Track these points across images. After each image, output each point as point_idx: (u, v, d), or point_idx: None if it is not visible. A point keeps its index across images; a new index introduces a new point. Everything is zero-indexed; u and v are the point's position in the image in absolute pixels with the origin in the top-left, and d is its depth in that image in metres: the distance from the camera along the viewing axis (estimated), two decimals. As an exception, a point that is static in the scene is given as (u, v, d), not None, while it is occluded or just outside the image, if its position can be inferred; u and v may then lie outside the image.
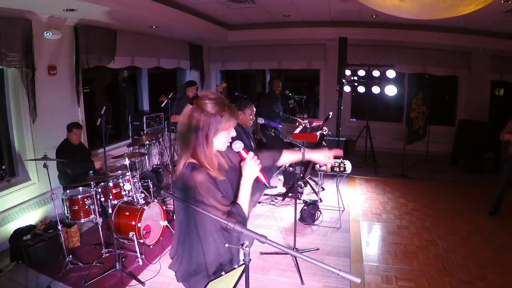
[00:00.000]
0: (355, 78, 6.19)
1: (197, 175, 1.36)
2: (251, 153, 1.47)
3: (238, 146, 1.47)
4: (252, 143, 3.29)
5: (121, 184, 3.60)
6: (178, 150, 1.49)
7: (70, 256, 3.15)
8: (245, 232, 1.24)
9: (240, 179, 1.48)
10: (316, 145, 4.10)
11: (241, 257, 3.67)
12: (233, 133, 1.47)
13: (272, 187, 5.24)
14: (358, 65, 6.03)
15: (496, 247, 3.56)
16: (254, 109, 3.29)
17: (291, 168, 4.08)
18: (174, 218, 4.03)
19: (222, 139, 1.44)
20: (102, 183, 3.54)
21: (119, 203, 3.46)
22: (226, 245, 1.44)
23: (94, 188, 3.34)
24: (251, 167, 1.45)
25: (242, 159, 1.49)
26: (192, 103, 1.41)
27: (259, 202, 4.72)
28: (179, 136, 1.45)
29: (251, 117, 3.25)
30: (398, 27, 6.56)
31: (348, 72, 6.06)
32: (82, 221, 3.42)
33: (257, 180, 1.48)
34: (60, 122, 4.15)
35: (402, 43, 6.97)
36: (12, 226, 3.55)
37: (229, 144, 1.48)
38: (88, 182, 3.35)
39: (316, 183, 5.04)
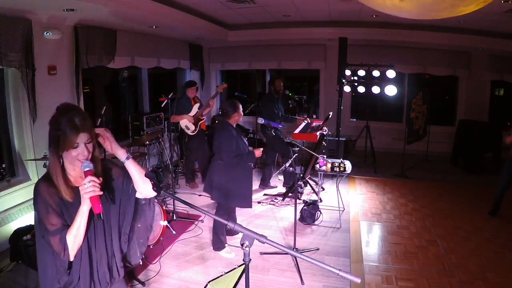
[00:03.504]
0: (355, 78, 6.19)
1: (39, 186, 1.34)
2: (88, 177, 1.31)
3: (85, 165, 1.35)
4: (244, 141, 3.39)
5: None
6: None
7: (70, 256, 3.15)
8: (245, 232, 1.23)
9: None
10: (316, 145, 4.09)
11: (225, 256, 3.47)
12: (83, 152, 1.36)
13: (269, 189, 5.25)
14: (358, 65, 6.03)
15: (496, 247, 3.56)
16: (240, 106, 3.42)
17: (291, 168, 4.08)
18: (175, 218, 4.04)
19: (67, 157, 1.37)
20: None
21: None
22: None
23: (94, 188, 3.33)
24: (83, 193, 1.30)
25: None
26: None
27: (259, 202, 4.72)
28: None
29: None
30: (398, 27, 6.55)
31: (348, 72, 6.06)
32: (82, 221, 3.41)
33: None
34: (60, 122, 4.15)
35: (402, 43, 6.96)
36: (12, 226, 3.55)
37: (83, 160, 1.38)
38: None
39: (316, 183, 5.04)
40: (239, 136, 3.32)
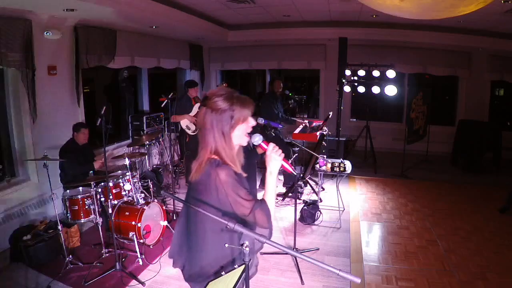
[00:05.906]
0: (355, 78, 6.20)
1: (222, 171, 1.37)
2: (271, 144, 1.45)
3: (258, 139, 1.46)
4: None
5: (121, 184, 3.59)
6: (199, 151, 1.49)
7: (70, 256, 3.15)
8: (245, 232, 1.23)
9: (254, 174, 1.49)
10: (316, 145, 4.10)
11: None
12: (252, 122, 1.47)
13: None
14: (358, 65, 6.03)
15: (496, 247, 3.56)
16: None
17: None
18: (175, 218, 4.04)
19: (239, 132, 1.44)
20: (102, 183, 3.53)
21: (119, 203, 3.46)
22: (226, 245, 1.42)
23: (94, 188, 3.34)
24: (274, 159, 1.43)
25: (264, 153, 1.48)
26: (202, 104, 1.44)
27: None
28: (200, 138, 1.47)
29: None
30: (398, 27, 6.56)
31: (348, 72, 6.06)
32: (82, 221, 3.41)
33: (283, 170, 1.47)
34: (60, 122, 4.16)
35: (402, 43, 6.96)
36: (12, 226, 3.55)
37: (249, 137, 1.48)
38: (88, 182, 3.35)
39: (316, 183, 5.04)
40: None
